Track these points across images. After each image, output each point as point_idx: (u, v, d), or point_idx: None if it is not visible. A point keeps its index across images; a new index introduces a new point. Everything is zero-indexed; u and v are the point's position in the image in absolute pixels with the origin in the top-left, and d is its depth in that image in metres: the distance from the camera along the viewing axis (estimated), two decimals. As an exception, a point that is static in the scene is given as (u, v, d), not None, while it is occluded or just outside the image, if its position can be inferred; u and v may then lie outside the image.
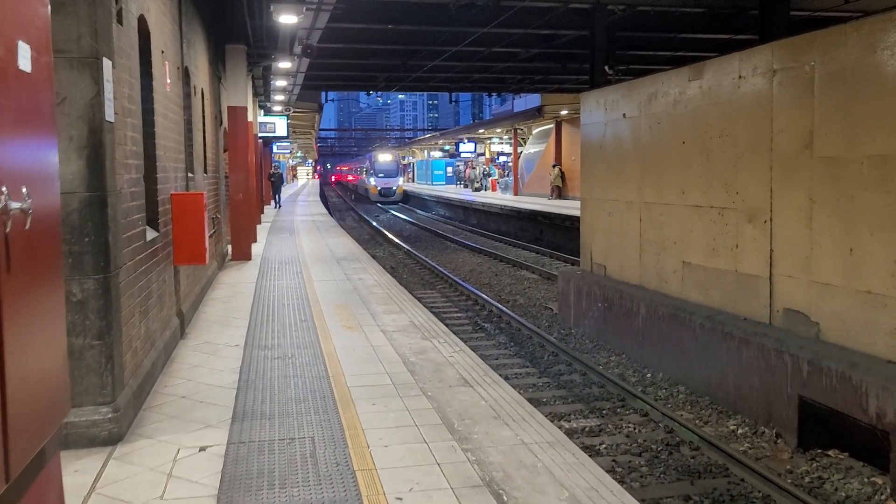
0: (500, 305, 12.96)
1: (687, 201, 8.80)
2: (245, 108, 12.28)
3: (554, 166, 32.14)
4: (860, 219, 6.15)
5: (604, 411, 7.82)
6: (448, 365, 5.92)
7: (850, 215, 6.26)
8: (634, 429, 7.26)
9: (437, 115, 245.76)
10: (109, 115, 4.19)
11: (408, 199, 51.90)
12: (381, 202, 50.32)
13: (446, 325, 11.83)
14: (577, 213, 23.78)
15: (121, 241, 4.47)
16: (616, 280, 10.60)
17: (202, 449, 4.03)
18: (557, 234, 23.65)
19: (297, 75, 16.07)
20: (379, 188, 50.87)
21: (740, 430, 7.09)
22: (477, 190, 44.37)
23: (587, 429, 7.28)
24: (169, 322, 6.49)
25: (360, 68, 19.68)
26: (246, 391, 5.16)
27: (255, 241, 15.68)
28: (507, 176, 42.80)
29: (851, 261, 6.25)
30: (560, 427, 7.26)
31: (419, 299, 14.05)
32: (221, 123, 12.16)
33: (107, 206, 4.14)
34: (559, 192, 31.94)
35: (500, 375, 9.05)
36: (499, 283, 16.01)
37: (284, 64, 14.59)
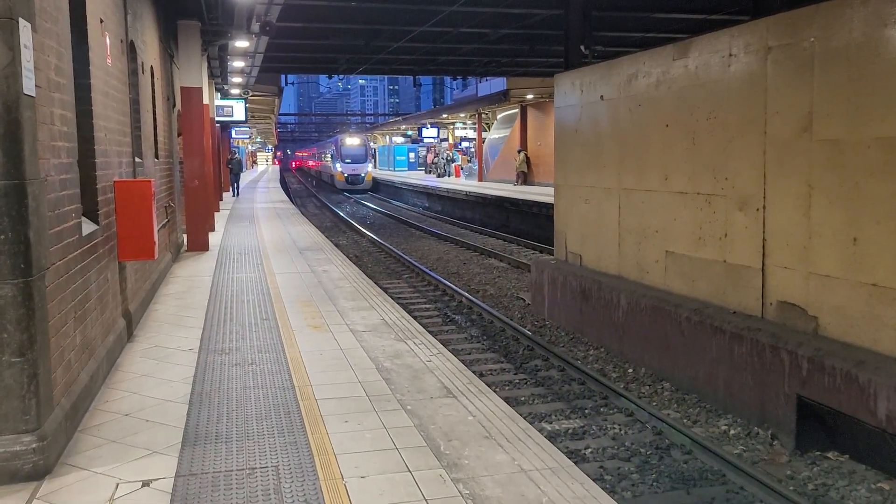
0: (470, 296, 12.45)
1: (671, 188, 8.37)
2: (200, 89, 11.49)
3: (519, 151, 31.69)
4: (865, 207, 5.74)
5: (586, 410, 7.37)
6: (427, 371, 5.37)
7: (854, 203, 5.85)
8: (620, 430, 6.82)
9: (398, 101, 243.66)
10: (28, 87, 3.53)
11: (378, 187, 48.00)
12: (348, 190, 46.73)
13: (414, 318, 11.35)
14: (544, 199, 23.43)
15: (46, 237, 3.82)
16: (593, 270, 10.16)
17: (145, 483, 3.43)
18: (525, 221, 23.23)
19: (255, 55, 15.28)
20: (346, 175, 47.03)
21: (732, 431, 6.70)
22: (440, 176, 43.75)
23: (570, 431, 6.81)
24: (113, 325, 5.82)
25: (321, 49, 18.88)
26: (199, 407, 4.56)
27: (212, 230, 14.90)
28: (471, 162, 42.26)
29: (855, 251, 5.85)
30: (542, 430, 6.79)
31: (385, 290, 13.51)
32: (175, 105, 11.38)
33: (26, 197, 3.49)
34: (525, 177, 31.52)
35: (474, 372, 8.59)
36: (467, 272, 15.50)
37: (241, 43, 13.79)
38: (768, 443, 6.36)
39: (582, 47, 10.48)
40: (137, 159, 7.08)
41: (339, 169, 47.64)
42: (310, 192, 52.15)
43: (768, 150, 6.79)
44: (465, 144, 49.51)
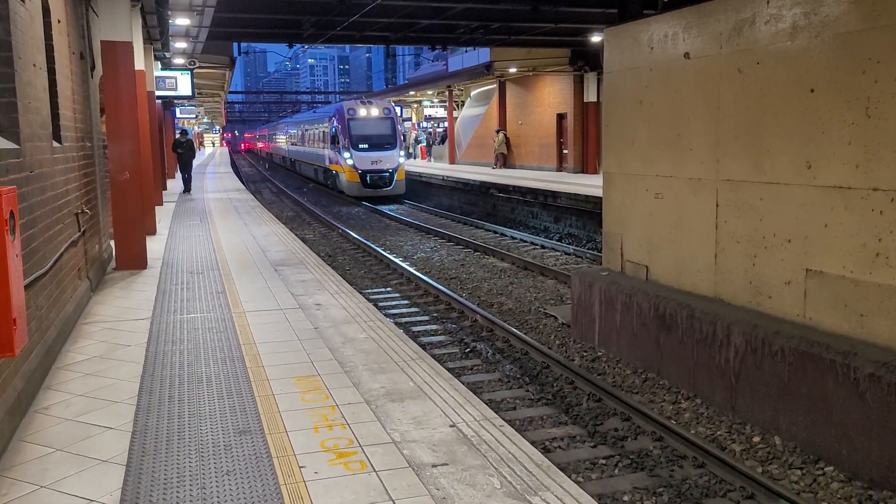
0: (487, 314, 9.85)
1: (818, 180, 5.85)
2: (129, 45, 8.51)
3: (498, 132, 29.04)
4: None
5: (728, 522, 4.86)
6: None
7: None
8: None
9: (348, 80, 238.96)
10: None
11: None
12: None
13: (423, 347, 8.67)
14: (537, 185, 20.81)
15: None
16: (669, 288, 7.64)
17: None
18: (516, 211, 20.67)
19: (203, 11, 12.32)
20: (361, 171, 25.55)
21: None
22: (407, 158, 40.90)
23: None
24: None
25: (284, 9, 15.88)
26: None
27: (153, 232, 11.85)
28: (437, 143, 39.47)
29: None
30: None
31: (372, 301, 10.79)
32: (94, 67, 8.41)
33: None
34: (504, 160, 28.93)
35: (534, 442, 5.99)
36: (469, 276, 12.86)
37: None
38: None
39: (649, -9, 7.89)
40: (13, 145, 4.22)
41: (350, 162, 25.69)
42: (263, 175, 48.68)
43: None
44: (425, 124, 46.35)
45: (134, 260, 8.71)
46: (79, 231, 6.58)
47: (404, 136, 34.65)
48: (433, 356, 8.27)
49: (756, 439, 6.02)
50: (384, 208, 23.87)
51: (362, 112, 26.63)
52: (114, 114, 8.48)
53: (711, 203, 7.02)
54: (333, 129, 27.43)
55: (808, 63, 5.87)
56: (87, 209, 7.03)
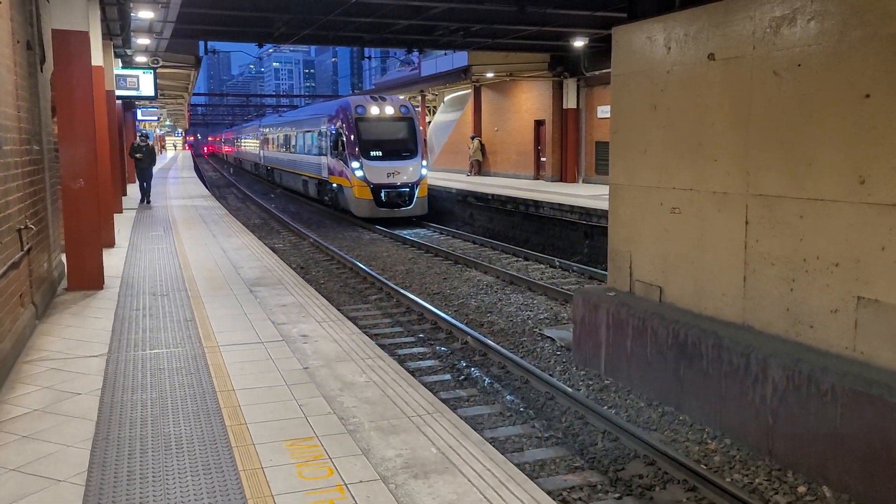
0: (479, 335, 9.08)
1: (872, 197, 5.19)
2: (84, 36, 7.53)
3: (473, 138, 28.32)
4: None
5: None
6: None
7: None
8: None
9: (314, 85, 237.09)
10: None
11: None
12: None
13: (412, 373, 7.85)
14: (517, 193, 19.99)
15: None
16: (689, 312, 6.94)
17: None
18: (495, 220, 19.96)
19: (168, 4, 11.35)
20: (373, 185, 20.36)
21: None
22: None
23: None
24: None
25: (254, 7, 14.95)
26: None
27: (111, 244, 10.81)
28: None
29: None
30: None
31: (351, 317, 9.94)
32: (43, 60, 7.44)
33: None
34: (479, 167, 28.23)
35: (550, 492, 5.21)
36: (453, 291, 12.08)
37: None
38: None
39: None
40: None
41: (360, 174, 20.42)
42: (227, 180, 47.35)
43: None
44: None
45: (89, 279, 7.70)
46: (21, 250, 5.63)
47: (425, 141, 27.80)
48: (425, 385, 7.47)
49: (802, 489, 5.33)
50: (359, 217, 22.79)
51: (374, 111, 21.06)
52: (67, 113, 7.51)
53: (740, 220, 6.34)
54: (334, 132, 21.62)
55: (863, 65, 5.21)
56: (31, 224, 6.06)
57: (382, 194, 20.29)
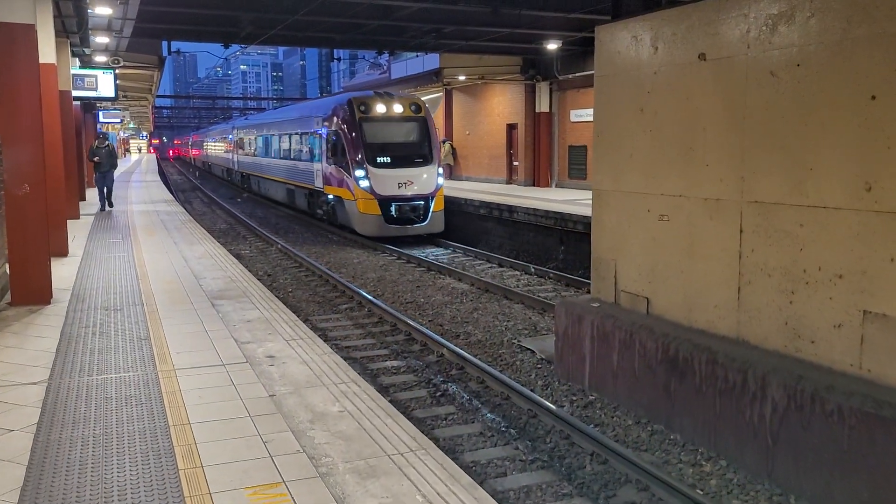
0: (456, 348, 8.66)
1: (880, 205, 4.88)
2: (30, 29, 6.96)
3: (444, 142, 27.93)
4: None
5: None
6: None
7: None
8: None
9: (281, 88, 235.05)
10: None
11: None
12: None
13: (384, 392, 7.40)
14: (490, 198, 19.62)
15: None
16: (678, 325, 6.60)
17: None
18: (470, 226, 19.56)
19: (127, 1, 10.75)
20: (381, 198, 17.04)
21: None
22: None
23: None
24: None
25: (218, 5, 14.38)
26: None
27: (64, 253, 10.16)
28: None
29: None
30: None
31: (320, 330, 9.46)
32: (-14, 55, 6.85)
33: None
34: (450, 171, 27.85)
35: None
36: (427, 300, 11.65)
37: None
38: None
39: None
40: None
41: (365, 185, 17.10)
42: (193, 183, 46.31)
43: None
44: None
45: (34, 293, 7.09)
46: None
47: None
48: (400, 404, 7.03)
49: (806, 516, 5.00)
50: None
51: (380, 109, 17.56)
52: (10, 114, 6.92)
53: (734, 228, 6.01)
54: (332, 134, 18.26)
55: (869, 65, 4.90)
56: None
57: (392, 209, 17.05)
